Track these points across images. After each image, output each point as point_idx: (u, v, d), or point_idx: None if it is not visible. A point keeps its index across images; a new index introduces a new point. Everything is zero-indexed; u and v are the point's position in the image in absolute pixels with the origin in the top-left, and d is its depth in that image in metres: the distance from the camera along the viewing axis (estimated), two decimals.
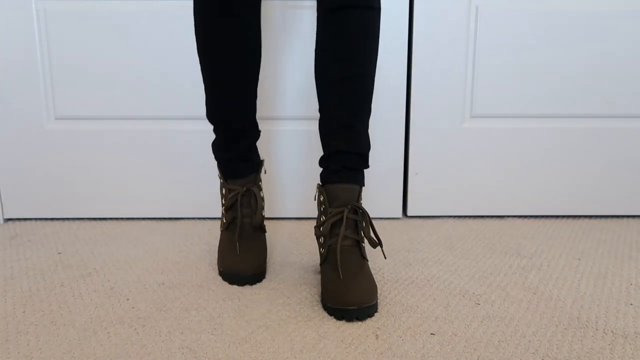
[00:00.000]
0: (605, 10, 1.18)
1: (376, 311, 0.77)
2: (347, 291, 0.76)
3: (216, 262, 0.96)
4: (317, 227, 0.85)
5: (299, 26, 1.17)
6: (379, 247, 1.03)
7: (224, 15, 0.86)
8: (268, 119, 1.22)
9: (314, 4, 1.14)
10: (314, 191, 1.24)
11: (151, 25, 1.17)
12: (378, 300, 0.79)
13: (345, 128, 0.85)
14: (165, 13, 1.17)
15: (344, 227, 0.80)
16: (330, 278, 0.79)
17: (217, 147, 0.97)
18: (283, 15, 1.17)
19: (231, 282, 0.88)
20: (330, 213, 0.82)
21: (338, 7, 0.81)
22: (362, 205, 0.88)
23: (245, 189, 0.93)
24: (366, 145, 0.87)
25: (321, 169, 0.89)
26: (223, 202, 0.97)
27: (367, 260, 0.83)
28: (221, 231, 0.97)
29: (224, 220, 0.96)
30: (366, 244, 0.99)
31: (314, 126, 1.11)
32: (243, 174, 0.95)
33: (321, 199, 0.85)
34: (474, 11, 1.18)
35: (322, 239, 0.84)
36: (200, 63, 0.92)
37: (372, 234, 0.83)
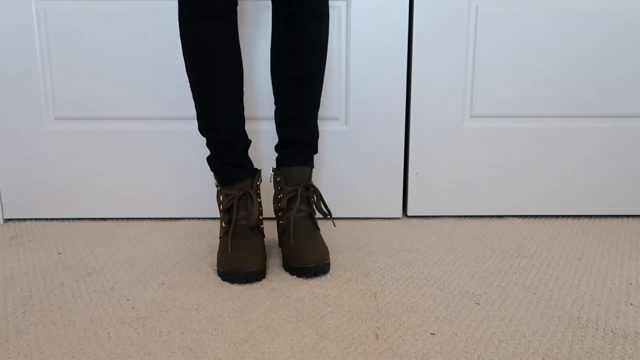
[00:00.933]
0: (606, 10, 1.18)
1: (329, 270, 0.92)
2: (306, 253, 0.91)
3: (216, 262, 0.96)
4: (275, 203, 0.99)
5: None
6: (379, 249, 1.04)
7: (210, 18, 0.88)
8: (267, 119, 1.22)
9: None
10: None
11: (151, 26, 1.17)
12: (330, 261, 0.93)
13: (295, 120, 0.98)
14: (165, 13, 1.17)
15: (298, 201, 0.95)
16: (290, 244, 0.93)
17: (212, 157, 0.98)
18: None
19: (232, 281, 0.88)
20: (286, 191, 0.96)
21: (290, 14, 0.92)
22: (313, 184, 1.02)
23: (242, 192, 0.94)
24: (313, 134, 1.00)
25: (277, 154, 1.01)
26: (220, 208, 0.97)
27: (319, 230, 1.01)
28: (220, 237, 0.97)
29: (223, 225, 0.96)
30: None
31: None
32: (239, 178, 0.96)
33: (277, 179, 0.99)
34: (474, 11, 1.18)
35: (280, 213, 0.98)
36: (189, 72, 0.93)
37: (322, 207, 0.97)
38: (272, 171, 1.01)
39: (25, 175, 1.23)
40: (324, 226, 1.19)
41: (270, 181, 1.03)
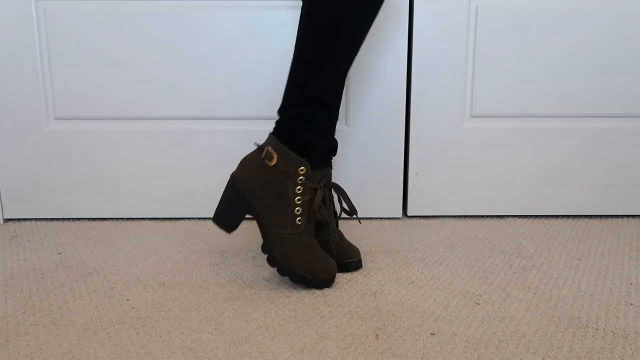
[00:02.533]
0: (606, 9, 1.18)
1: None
2: (347, 249, 0.93)
3: (216, 262, 0.97)
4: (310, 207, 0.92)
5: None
6: (379, 249, 1.05)
7: None
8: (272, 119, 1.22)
9: None
10: None
11: (151, 25, 1.17)
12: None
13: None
14: (165, 13, 1.17)
15: (331, 201, 0.92)
16: (325, 242, 0.92)
17: (303, 130, 0.86)
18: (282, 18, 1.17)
19: (327, 286, 0.86)
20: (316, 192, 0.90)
21: None
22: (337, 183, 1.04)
23: (323, 184, 0.88)
24: (333, 135, 0.95)
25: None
26: (299, 197, 0.86)
27: None
28: (296, 233, 0.86)
29: (298, 220, 0.87)
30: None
31: None
32: (326, 163, 0.89)
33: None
34: (474, 11, 1.18)
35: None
36: (326, 34, 0.82)
37: (347, 206, 0.94)
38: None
39: (25, 175, 1.23)
40: None
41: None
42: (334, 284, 0.87)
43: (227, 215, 0.89)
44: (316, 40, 0.82)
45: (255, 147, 0.90)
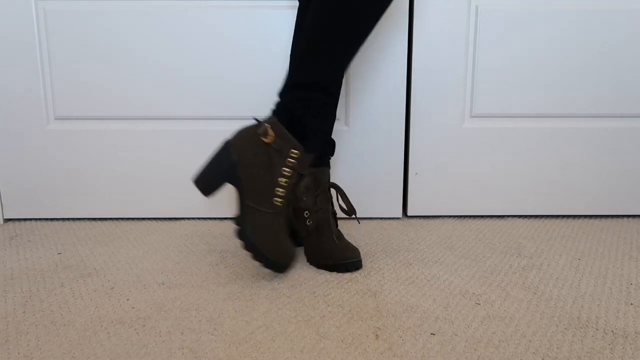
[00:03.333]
0: (606, 9, 1.18)
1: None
2: (345, 249, 0.93)
3: (216, 262, 0.97)
4: (300, 203, 0.96)
5: None
6: (379, 249, 1.05)
7: None
8: None
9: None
10: None
11: (151, 26, 1.17)
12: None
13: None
14: (166, 13, 1.17)
15: (330, 201, 0.97)
16: (325, 242, 0.94)
17: (303, 113, 0.86)
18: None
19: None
20: (315, 191, 0.95)
21: None
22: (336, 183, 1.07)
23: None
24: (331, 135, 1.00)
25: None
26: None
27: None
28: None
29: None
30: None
31: None
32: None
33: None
34: (474, 11, 1.18)
35: (307, 213, 0.96)
36: (341, 21, 0.83)
37: (346, 205, 0.97)
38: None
39: (26, 175, 1.23)
40: None
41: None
42: (334, 285, 0.87)
43: (209, 179, 0.88)
44: (330, 26, 0.83)
45: (253, 122, 0.91)
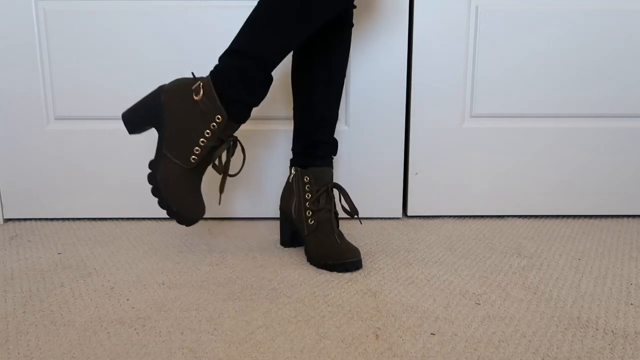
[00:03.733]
0: (606, 9, 1.18)
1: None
2: (346, 249, 0.94)
3: (216, 262, 0.97)
4: (302, 203, 0.99)
5: None
6: (379, 249, 1.05)
7: None
8: (259, 119, 1.22)
9: None
10: None
11: (151, 26, 1.17)
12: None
13: (325, 120, 1.00)
14: (166, 13, 1.17)
15: (333, 201, 0.99)
16: (326, 242, 0.95)
17: (235, 81, 0.86)
18: None
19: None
20: (317, 191, 0.98)
21: (341, 22, 0.96)
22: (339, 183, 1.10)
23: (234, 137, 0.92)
24: (333, 135, 1.03)
25: (298, 154, 1.01)
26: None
27: None
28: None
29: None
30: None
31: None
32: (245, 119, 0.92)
33: (305, 179, 0.99)
34: (474, 11, 1.18)
35: (309, 213, 0.98)
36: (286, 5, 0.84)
37: (348, 206, 0.98)
38: (295, 170, 1.00)
39: (25, 175, 1.23)
40: None
41: (290, 180, 1.02)
42: (334, 285, 0.87)
43: (136, 118, 0.90)
44: (274, 4, 0.84)
45: (191, 76, 0.91)
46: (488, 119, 1.23)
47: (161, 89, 0.89)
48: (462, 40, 1.19)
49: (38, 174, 1.23)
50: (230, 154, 0.91)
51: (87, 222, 1.24)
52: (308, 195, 0.98)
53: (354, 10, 1.16)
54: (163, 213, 1.25)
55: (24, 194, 1.24)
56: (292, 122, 1.03)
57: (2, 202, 1.24)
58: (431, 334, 0.71)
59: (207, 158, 0.89)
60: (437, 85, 1.21)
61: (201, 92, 0.86)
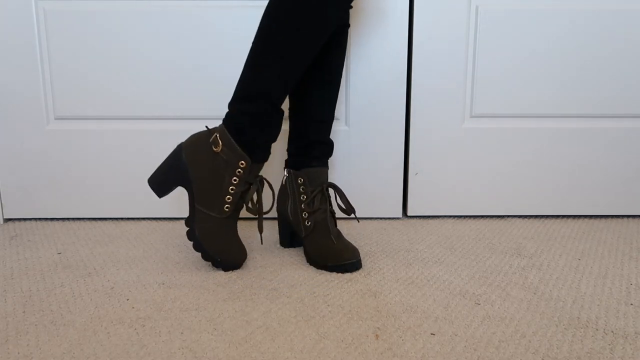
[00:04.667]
0: (606, 9, 1.18)
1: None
2: (345, 250, 0.93)
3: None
4: (297, 205, 0.98)
5: None
6: (379, 249, 1.05)
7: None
8: None
9: None
10: None
11: (151, 26, 1.17)
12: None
13: (322, 121, 1.00)
14: (166, 13, 1.17)
15: (328, 202, 0.98)
16: (323, 243, 0.94)
17: (249, 126, 0.88)
18: None
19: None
20: (312, 192, 0.98)
21: (343, 25, 0.96)
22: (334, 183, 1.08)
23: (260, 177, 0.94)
24: (329, 135, 1.04)
25: (294, 155, 1.00)
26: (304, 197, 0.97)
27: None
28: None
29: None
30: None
31: None
32: (266, 158, 0.93)
33: (300, 180, 0.98)
34: (474, 11, 1.18)
35: (305, 214, 0.97)
36: (279, 35, 0.85)
37: (345, 205, 0.99)
38: (289, 173, 1.00)
39: (26, 175, 1.23)
40: None
41: (283, 182, 1.02)
42: (334, 285, 0.87)
43: (162, 180, 0.92)
44: (269, 38, 0.85)
45: (205, 129, 0.93)
46: (488, 119, 1.23)
47: (180, 148, 0.92)
48: (462, 40, 1.19)
49: (38, 174, 1.23)
50: (260, 193, 0.93)
51: (87, 222, 1.24)
52: (303, 197, 0.98)
53: (351, 11, 1.16)
54: (163, 213, 1.25)
55: (24, 194, 1.24)
56: (289, 122, 1.03)
57: (2, 202, 1.24)
58: (431, 334, 0.71)
59: (239, 203, 0.91)
60: (437, 85, 1.21)
61: (220, 144, 0.89)
